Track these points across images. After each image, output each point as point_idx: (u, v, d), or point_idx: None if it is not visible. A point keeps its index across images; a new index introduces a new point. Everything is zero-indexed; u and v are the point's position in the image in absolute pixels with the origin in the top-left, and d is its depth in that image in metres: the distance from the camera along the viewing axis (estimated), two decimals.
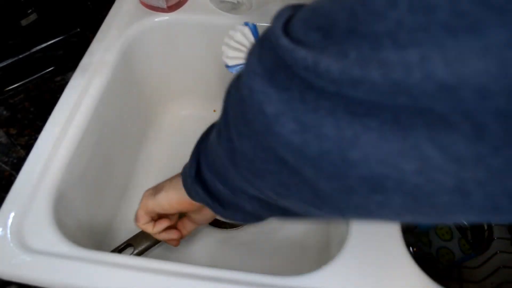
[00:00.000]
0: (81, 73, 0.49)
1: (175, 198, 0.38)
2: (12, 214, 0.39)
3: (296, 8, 0.20)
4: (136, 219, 0.43)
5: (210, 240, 0.57)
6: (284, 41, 0.17)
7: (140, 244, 0.50)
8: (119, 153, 0.57)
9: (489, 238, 0.50)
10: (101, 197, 0.53)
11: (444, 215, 0.17)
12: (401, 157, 0.15)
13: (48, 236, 0.38)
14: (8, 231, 0.38)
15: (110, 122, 0.52)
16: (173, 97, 0.69)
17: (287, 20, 0.19)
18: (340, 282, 0.35)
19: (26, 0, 0.51)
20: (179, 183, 0.37)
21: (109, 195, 0.55)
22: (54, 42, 0.54)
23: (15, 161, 0.45)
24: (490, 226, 0.50)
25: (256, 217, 0.30)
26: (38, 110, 0.49)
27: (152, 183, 0.61)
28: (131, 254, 0.50)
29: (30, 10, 0.52)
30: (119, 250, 0.50)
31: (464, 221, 0.18)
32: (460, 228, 0.52)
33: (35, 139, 0.44)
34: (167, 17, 0.57)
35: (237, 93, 0.21)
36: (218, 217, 0.45)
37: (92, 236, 0.49)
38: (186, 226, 0.45)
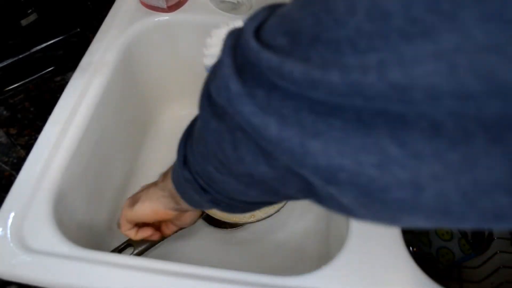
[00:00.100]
0: (81, 73, 0.49)
1: (151, 209, 0.40)
2: (12, 214, 0.39)
3: (272, 9, 0.21)
4: (119, 226, 0.45)
5: (210, 240, 0.57)
6: (253, 43, 0.18)
7: (140, 244, 0.50)
8: (119, 153, 0.57)
9: (489, 238, 0.50)
10: (101, 197, 0.53)
11: (394, 215, 0.17)
12: (361, 151, 0.16)
13: (48, 236, 0.38)
14: (8, 231, 0.38)
15: (110, 122, 0.52)
16: (173, 97, 0.69)
17: (260, 23, 0.20)
18: (340, 282, 0.35)
19: (26, 0, 0.51)
20: (155, 194, 0.40)
21: (109, 195, 0.55)
22: (54, 42, 0.54)
23: (15, 161, 0.45)
24: None
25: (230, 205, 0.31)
26: (38, 110, 0.49)
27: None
28: (131, 254, 0.50)
29: (30, 10, 0.52)
30: (119, 250, 0.50)
31: (412, 225, 0.18)
32: (460, 228, 0.52)
33: (35, 139, 0.44)
34: (167, 17, 0.57)
35: (212, 82, 0.22)
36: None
37: (92, 236, 0.49)
38: (169, 227, 0.47)
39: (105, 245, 0.52)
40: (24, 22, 0.52)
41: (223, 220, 0.57)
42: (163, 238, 0.52)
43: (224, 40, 0.22)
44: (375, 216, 0.19)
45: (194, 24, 0.58)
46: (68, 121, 0.45)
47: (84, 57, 0.51)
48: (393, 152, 0.15)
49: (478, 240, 0.50)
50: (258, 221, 0.56)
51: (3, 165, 0.45)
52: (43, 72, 0.52)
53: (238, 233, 0.58)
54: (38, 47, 0.53)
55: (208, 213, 0.55)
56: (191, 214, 0.44)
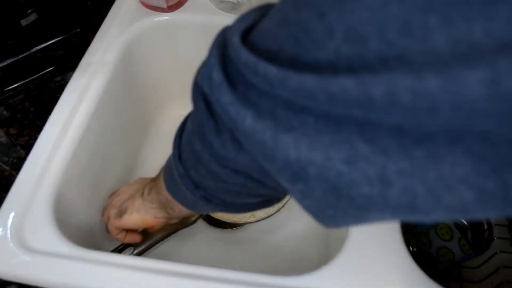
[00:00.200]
0: (81, 73, 0.49)
1: (140, 219, 0.42)
2: (12, 214, 0.39)
3: (264, 10, 0.21)
4: (108, 231, 0.47)
5: (210, 240, 0.57)
6: (235, 40, 0.19)
7: (140, 244, 0.50)
8: (119, 153, 0.57)
9: (489, 238, 0.50)
10: (101, 197, 0.53)
11: (360, 212, 0.18)
12: (331, 147, 0.16)
13: (48, 236, 0.38)
14: (8, 231, 0.38)
15: (110, 122, 0.52)
16: (173, 97, 0.69)
17: (251, 24, 0.21)
18: (340, 282, 0.35)
19: (26, 0, 0.51)
20: (143, 206, 0.41)
21: (109, 195, 0.55)
22: (54, 42, 0.54)
23: (15, 161, 0.45)
24: (490, 226, 0.50)
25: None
26: (38, 110, 0.49)
27: None
28: (131, 254, 0.50)
29: (30, 10, 0.52)
30: (119, 250, 0.50)
31: (378, 222, 0.18)
32: (460, 228, 0.52)
33: (35, 139, 0.44)
34: (167, 17, 0.57)
35: (199, 69, 0.23)
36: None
37: (92, 236, 0.49)
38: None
39: (105, 245, 0.52)
40: (24, 22, 0.52)
41: (223, 220, 0.57)
42: (163, 237, 0.52)
43: (217, 33, 0.23)
44: (343, 215, 0.19)
45: (194, 24, 0.58)
46: (68, 121, 0.45)
47: (84, 57, 0.51)
48: (362, 149, 0.15)
49: (478, 240, 0.50)
50: (258, 221, 0.56)
51: (3, 165, 0.45)
52: (43, 72, 0.52)
53: (238, 233, 0.58)
54: (38, 47, 0.53)
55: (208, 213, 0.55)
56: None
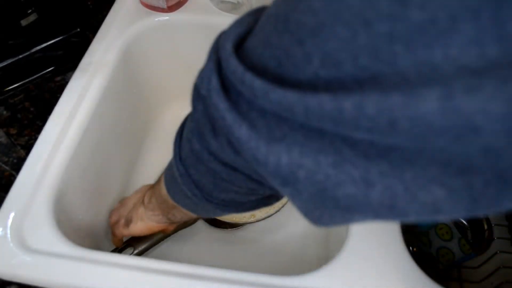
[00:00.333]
0: (81, 73, 0.49)
1: (145, 226, 0.44)
2: (12, 214, 0.39)
3: (259, 14, 0.22)
4: (114, 243, 0.49)
5: (210, 240, 0.57)
6: (228, 47, 0.20)
7: (140, 244, 0.51)
8: (119, 153, 0.57)
9: (489, 238, 0.50)
10: (101, 197, 0.53)
11: (345, 213, 0.19)
12: (319, 152, 0.17)
13: (48, 236, 0.38)
14: (8, 231, 0.38)
15: (110, 122, 0.52)
16: (173, 97, 0.69)
17: (245, 31, 0.22)
18: (340, 282, 0.35)
19: (26, 0, 0.51)
20: (145, 214, 0.43)
21: (109, 195, 0.55)
22: (54, 42, 0.54)
23: (15, 161, 0.45)
24: (490, 226, 0.50)
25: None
26: (38, 110, 0.49)
27: (151, 182, 0.61)
28: (131, 254, 0.50)
29: (30, 10, 0.52)
30: (119, 250, 0.50)
31: (361, 222, 0.19)
32: (460, 228, 0.52)
33: (35, 139, 0.44)
34: (167, 17, 0.57)
35: (200, 71, 0.24)
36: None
37: (92, 236, 0.49)
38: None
39: (105, 245, 0.52)
40: (24, 22, 0.52)
41: (223, 220, 0.57)
42: (163, 237, 0.52)
43: (216, 36, 0.23)
44: (330, 216, 0.20)
45: (194, 24, 0.58)
46: (68, 121, 0.45)
47: (84, 57, 0.51)
48: (347, 153, 0.17)
49: (478, 240, 0.50)
50: (258, 221, 0.56)
51: (3, 165, 0.45)
52: (43, 72, 0.52)
53: (238, 233, 0.58)
54: (38, 47, 0.53)
55: None
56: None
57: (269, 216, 0.56)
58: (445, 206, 0.16)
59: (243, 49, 0.21)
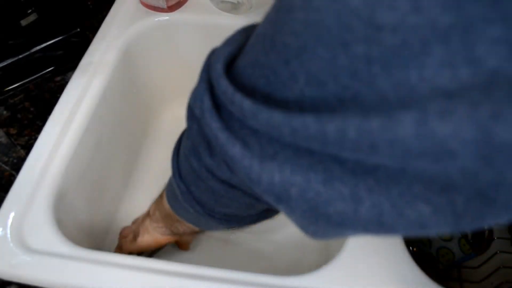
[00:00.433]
0: (81, 73, 0.49)
1: (151, 239, 0.44)
2: (12, 214, 0.39)
3: (249, 32, 0.22)
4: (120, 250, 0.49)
5: (211, 240, 0.57)
6: (218, 67, 0.21)
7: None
8: (119, 153, 0.57)
9: (489, 238, 0.50)
10: (101, 197, 0.53)
11: (337, 228, 0.19)
12: (310, 169, 0.18)
13: (48, 236, 0.38)
14: (8, 231, 0.38)
15: (110, 122, 0.52)
16: (173, 97, 0.69)
17: (237, 49, 0.22)
18: (340, 282, 0.35)
19: (26, 0, 0.51)
20: (150, 226, 0.43)
21: (109, 195, 0.55)
22: (54, 42, 0.54)
23: (15, 161, 0.45)
24: (490, 226, 0.50)
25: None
26: (38, 110, 0.49)
27: (152, 183, 0.61)
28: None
29: (30, 10, 0.52)
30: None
31: (355, 235, 0.20)
32: None
33: (35, 139, 0.44)
34: (167, 17, 0.57)
35: (193, 90, 0.24)
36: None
37: (92, 236, 0.49)
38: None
39: (105, 245, 0.52)
40: (24, 22, 0.52)
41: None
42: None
43: (208, 53, 0.24)
44: (324, 232, 0.20)
45: (194, 24, 0.58)
46: (68, 121, 0.45)
47: (84, 57, 0.51)
48: (335, 170, 0.17)
49: (478, 240, 0.50)
50: None
51: (3, 165, 0.45)
52: (43, 72, 0.52)
53: (238, 233, 0.58)
54: (38, 47, 0.52)
55: None
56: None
57: None
58: (431, 222, 0.16)
59: (234, 68, 0.21)
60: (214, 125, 0.21)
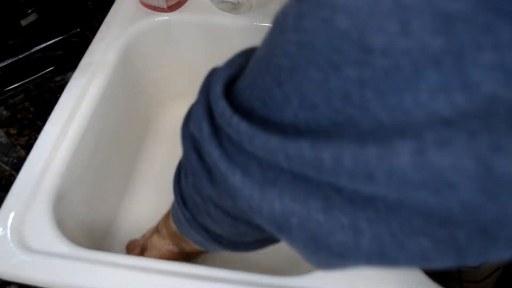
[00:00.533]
0: (81, 73, 0.49)
1: (159, 256, 0.43)
2: (12, 214, 0.39)
3: (248, 54, 0.22)
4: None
5: None
6: (217, 89, 0.21)
7: None
8: (119, 153, 0.57)
9: None
10: (101, 197, 0.53)
11: (339, 260, 0.19)
12: (308, 196, 0.17)
13: (48, 236, 0.38)
14: (8, 231, 0.38)
15: (110, 122, 0.52)
16: (173, 97, 0.69)
17: (236, 72, 0.22)
18: (339, 282, 0.35)
19: (26, 0, 0.51)
20: (158, 242, 0.43)
21: (109, 195, 0.55)
22: (54, 42, 0.54)
23: (15, 161, 0.45)
24: None
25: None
26: (38, 110, 0.49)
27: (152, 183, 0.61)
28: None
29: (30, 10, 0.52)
30: None
31: (358, 267, 0.19)
32: None
33: (35, 139, 0.44)
34: (167, 17, 0.57)
35: (191, 117, 0.24)
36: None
37: (92, 236, 0.49)
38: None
39: (105, 245, 0.52)
40: (24, 22, 0.52)
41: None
42: None
43: (205, 76, 0.24)
44: (326, 262, 0.20)
45: (194, 24, 0.57)
46: (68, 121, 0.45)
47: (84, 57, 0.51)
48: (334, 198, 0.17)
49: None
50: None
51: (3, 165, 0.45)
52: (43, 72, 0.52)
53: None
54: (38, 47, 0.52)
55: None
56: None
57: None
58: (433, 256, 0.16)
59: (233, 91, 0.21)
60: (214, 153, 0.20)
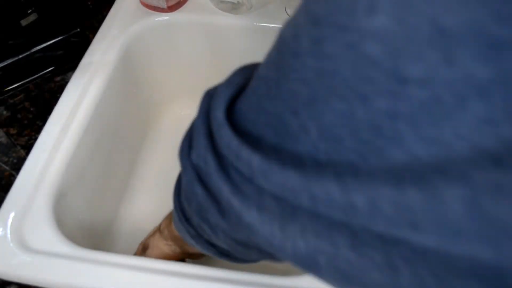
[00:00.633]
0: (81, 73, 0.49)
1: (161, 254, 0.42)
2: (12, 214, 0.39)
3: (249, 73, 0.20)
4: None
5: None
6: (219, 115, 0.19)
7: None
8: (119, 153, 0.57)
9: None
10: (101, 197, 0.53)
11: None
12: (334, 231, 0.16)
13: (48, 236, 0.38)
14: (8, 231, 0.38)
15: (110, 122, 0.52)
16: (173, 97, 0.69)
17: (236, 92, 0.20)
18: None
19: (26, 0, 0.51)
20: (160, 242, 0.42)
21: (109, 195, 0.55)
22: (54, 42, 0.53)
23: (15, 161, 0.45)
24: None
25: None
26: (38, 110, 0.49)
27: (152, 183, 0.61)
28: None
29: (30, 10, 0.52)
30: None
31: None
32: None
33: (35, 139, 0.44)
34: (167, 17, 0.57)
35: (193, 149, 0.22)
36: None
37: (92, 236, 0.49)
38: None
39: (105, 245, 0.52)
40: (24, 22, 0.52)
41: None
42: None
43: (201, 99, 0.22)
44: None
45: (194, 24, 0.57)
46: (68, 121, 0.45)
47: (84, 57, 0.51)
48: (363, 234, 0.15)
49: None
50: None
51: (3, 165, 0.45)
52: (43, 72, 0.52)
53: None
54: (38, 47, 0.52)
55: None
56: None
57: None
58: None
59: (235, 113, 0.19)
60: (224, 188, 0.18)
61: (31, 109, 0.50)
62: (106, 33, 0.54)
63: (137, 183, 0.61)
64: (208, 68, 0.63)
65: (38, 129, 0.46)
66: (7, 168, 0.45)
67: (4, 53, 0.51)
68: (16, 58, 0.51)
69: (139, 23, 0.56)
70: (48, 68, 0.53)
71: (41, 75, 0.52)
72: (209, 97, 0.21)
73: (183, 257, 0.44)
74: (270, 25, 0.55)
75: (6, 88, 0.51)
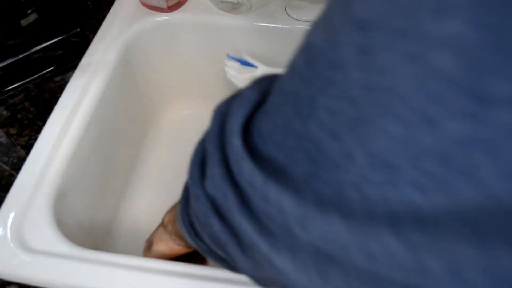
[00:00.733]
0: (81, 73, 0.49)
1: (166, 248, 0.40)
2: (12, 214, 0.39)
3: (264, 89, 0.18)
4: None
5: None
6: (236, 143, 0.17)
7: None
8: (119, 153, 0.57)
9: None
10: (101, 197, 0.53)
11: None
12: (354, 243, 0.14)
13: (48, 236, 0.38)
14: (8, 231, 0.38)
15: (110, 122, 0.52)
16: (173, 97, 0.69)
17: (251, 111, 0.18)
18: None
19: (26, 0, 0.51)
20: (164, 235, 0.40)
21: (109, 195, 0.55)
22: (54, 42, 0.53)
23: (15, 161, 0.45)
24: None
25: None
26: (38, 110, 0.49)
27: (152, 183, 0.61)
28: None
29: (30, 10, 0.52)
30: None
31: None
32: None
33: (35, 139, 0.44)
34: (167, 17, 0.57)
35: (207, 180, 0.20)
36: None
37: (92, 236, 0.49)
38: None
39: (105, 245, 0.52)
40: (24, 22, 0.52)
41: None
42: None
43: (212, 118, 0.19)
44: None
45: (194, 24, 0.57)
46: (68, 121, 0.45)
47: (84, 57, 0.51)
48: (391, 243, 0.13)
49: None
50: None
51: (3, 165, 0.45)
52: (43, 72, 0.52)
53: None
54: (38, 47, 0.52)
55: None
56: None
57: None
58: None
59: (253, 135, 0.17)
60: (247, 226, 0.16)
61: (31, 109, 0.50)
62: (106, 33, 0.54)
63: (137, 183, 0.61)
64: (208, 68, 0.63)
65: (38, 129, 0.46)
66: (7, 168, 0.45)
67: (4, 53, 0.51)
68: (16, 58, 0.51)
69: (139, 23, 0.56)
70: (48, 68, 0.53)
71: (41, 75, 0.52)
72: (221, 116, 0.19)
73: (189, 250, 0.42)
74: (270, 25, 0.55)
75: (6, 88, 0.51)
